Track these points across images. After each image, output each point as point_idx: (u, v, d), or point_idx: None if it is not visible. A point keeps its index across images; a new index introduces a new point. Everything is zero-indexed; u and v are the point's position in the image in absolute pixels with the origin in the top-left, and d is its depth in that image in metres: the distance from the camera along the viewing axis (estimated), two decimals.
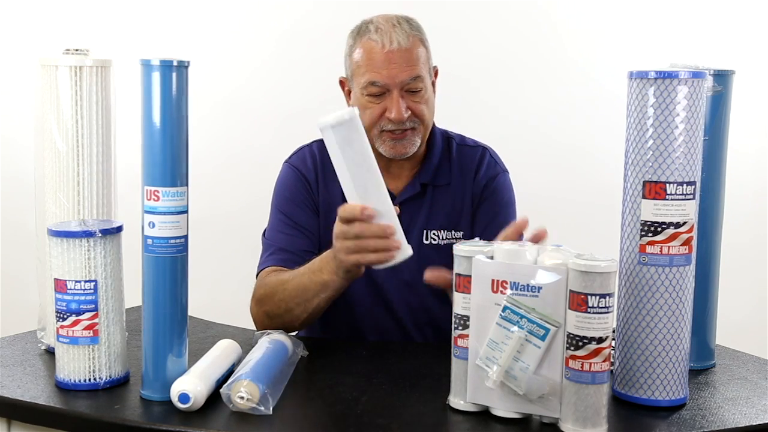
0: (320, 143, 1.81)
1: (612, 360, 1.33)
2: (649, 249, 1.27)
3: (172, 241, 1.28)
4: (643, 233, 1.27)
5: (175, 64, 1.26)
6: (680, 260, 1.26)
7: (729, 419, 1.25)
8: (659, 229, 1.26)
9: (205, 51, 2.88)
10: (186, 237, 1.30)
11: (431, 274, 1.44)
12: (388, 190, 1.70)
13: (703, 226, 1.42)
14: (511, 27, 2.96)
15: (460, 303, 1.27)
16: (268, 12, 2.95)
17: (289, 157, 1.83)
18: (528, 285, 1.20)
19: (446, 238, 1.74)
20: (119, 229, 1.37)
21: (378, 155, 1.70)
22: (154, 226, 1.28)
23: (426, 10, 2.93)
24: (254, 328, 1.67)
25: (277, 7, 2.95)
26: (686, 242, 1.26)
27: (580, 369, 1.17)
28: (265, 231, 1.80)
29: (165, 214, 1.27)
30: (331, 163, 1.76)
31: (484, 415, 1.26)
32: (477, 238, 1.34)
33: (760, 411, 1.28)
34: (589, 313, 1.16)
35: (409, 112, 1.67)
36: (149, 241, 1.28)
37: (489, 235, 1.67)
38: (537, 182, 2.94)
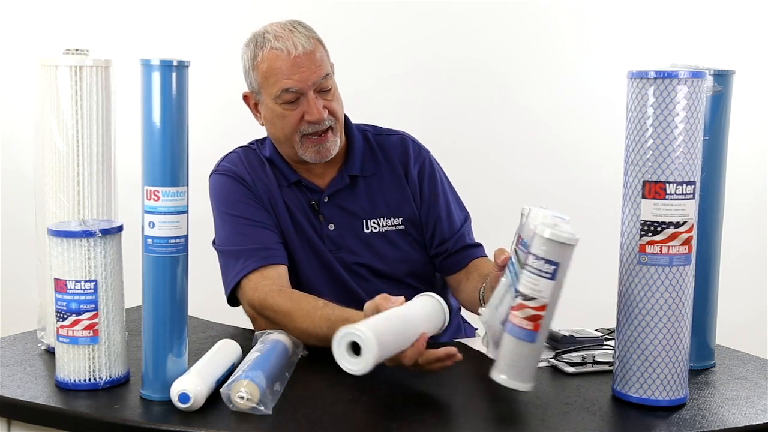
0: (244, 149, 1.83)
1: (613, 353, 1.37)
2: (648, 249, 1.27)
3: (172, 241, 1.28)
4: (642, 233, 1.27)
5: (175, 64, 1.26)
6: (680, 260, 1.26)
7: (729, 419, 1.25)
8: (659, 228, 1.26)
9: (205, 51, 2.88)
10: (186, 237, 1.30)
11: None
12: (316, 186, 1.77)
13: (703, 226, 1.42)
14: (511, 27, 2.96)
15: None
16: (268, 12, 2.94)
17: (216, 168, 1.82)
18: (524, 241, 1.30)
19: (386, 225, 1.79)
20: (119, 229, 1.37)
21: (299, 160, 1.74)
22: (154, 226, 1.28)
23: (427, 10, 2.95)
24: (254, 327, 1.67)
25: (277, 7, 2.94)
26: (686, 242, 1.26)
27: (506, 317, 1.27)
28: (214, 241, 1.78)
29: (165, 214, 1.27)
30: (259, 164, 1.79)
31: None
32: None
33: (760, 411, 1.28)
34: (525, 269, 1.24)
35: (326, 111, 1.69)
36: (149, 241, 1.28)
37: (434, 220, 1.81)
38: (537, 182, 2.95)
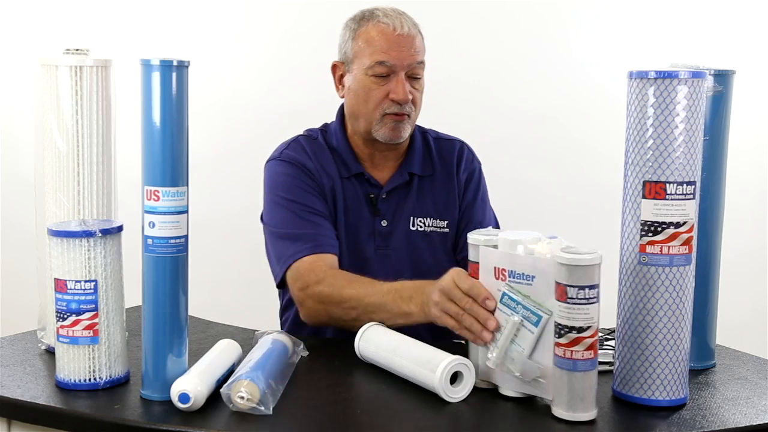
0: (305, 138, 1.84)
1: (613, 353, 1.38)
2: (649, 249, 1.27)
3: (172, 241, 1.28)
4: (643, 233, 1.27)
5: (175, 64, 1.26)
6: (680, 260, 1.26)
7: (729, 419, 1.25)
8: (659, 228, 1.26)
9: (205, 51, 2.88)
10: (186, 237, 1.30)
11: None
12: (376, 181, 1.79)
13: (703, 226, 1.42)
14: (512, 27, 2.96)
15: None
16: (268, 12, 2.95)
17: (278, 155, 1.81)
18: (523, 274, 1.27)
19: (431, 226, 1.81)
20: (119, 229, 1.37)
21: (366, 142, 1.77)
22: (154, 226, 1.28)
23: (427, 10, 2.94)
24: (254, 327, 1.67)
25: (278, 6, 2.95)
26: (686, 242, 1.26)
27: (562, 356, 1.22)
28: (263, 218, 1.79)
29: (165, 214, 1.27)
30: (322, 153, 1.80)
31: (492, 392, 1.34)
32: (490, 227, 1.43)
33: (760, 411, 1.28)
34: (570, 303, 1.20)
35: (411, 96, 1.72)
36: (149, 241, 1.28)
37: (464, 225, 1.82)
38: (537, 182, 2.95)
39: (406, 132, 1.75)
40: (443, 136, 1.91)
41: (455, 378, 1.31)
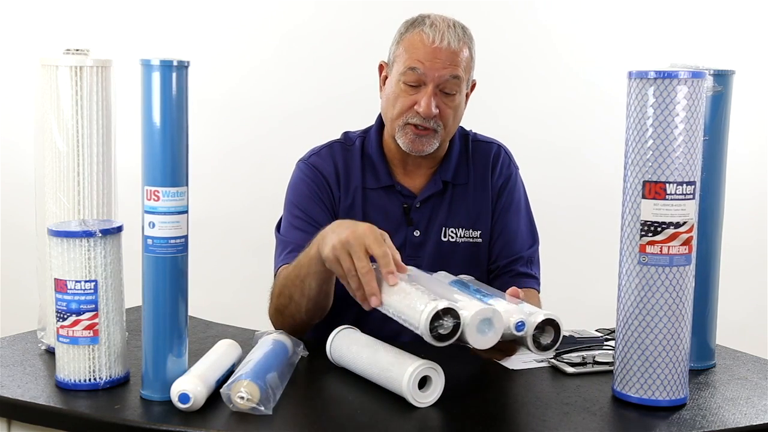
0: (341, 145, 1.81)
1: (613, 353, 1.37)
2: (649, 249, 1.27)
3: (172, 241, 1.28)
4: (643, 233, 1.27)
5: (175, 64, 1.26)
6: (680, 260, 1.27)
7: (729, 419, 1.25)
8: (659, 228, 1.26)
9: (205, 51, 2.88)
10: (186, 237, 1.30)
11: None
12: (409, 192, 1.76)
13: (703, 226, 1.42)
14: (511, 27, 2.96)
15: None
16: (268, 12, 2.95)
17: (308, 157, 1.80)
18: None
19: (464, 236, 1.76)
20: (119, 229, 1.37)
21: (395, 148, 1.74)
22: (154, 226, 1.28)
23: (426, 11, 2.94)
24: (254, 328, 1.67)
25: (278, 7, 2.95)
26: (686, 242, 1.26)
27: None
28: (278, 226, 1.78)
29: (165, 214, 1.27)
30: (352, 163, 1.77)
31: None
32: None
33: (760, 411, 1.28)
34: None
35: (438, 111, 1.67)
36: (149, 241, 1.28)
37: (497, 234, 1.77)
38: (537, 182, 2.93)
39: (431, 146, 1.70)
40: (480, 138, 1.85)
41: (424, 383, 1.29)
